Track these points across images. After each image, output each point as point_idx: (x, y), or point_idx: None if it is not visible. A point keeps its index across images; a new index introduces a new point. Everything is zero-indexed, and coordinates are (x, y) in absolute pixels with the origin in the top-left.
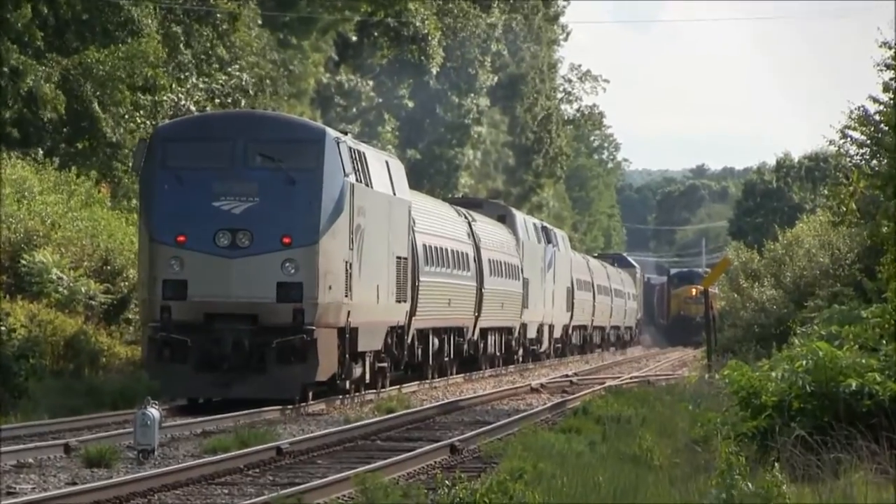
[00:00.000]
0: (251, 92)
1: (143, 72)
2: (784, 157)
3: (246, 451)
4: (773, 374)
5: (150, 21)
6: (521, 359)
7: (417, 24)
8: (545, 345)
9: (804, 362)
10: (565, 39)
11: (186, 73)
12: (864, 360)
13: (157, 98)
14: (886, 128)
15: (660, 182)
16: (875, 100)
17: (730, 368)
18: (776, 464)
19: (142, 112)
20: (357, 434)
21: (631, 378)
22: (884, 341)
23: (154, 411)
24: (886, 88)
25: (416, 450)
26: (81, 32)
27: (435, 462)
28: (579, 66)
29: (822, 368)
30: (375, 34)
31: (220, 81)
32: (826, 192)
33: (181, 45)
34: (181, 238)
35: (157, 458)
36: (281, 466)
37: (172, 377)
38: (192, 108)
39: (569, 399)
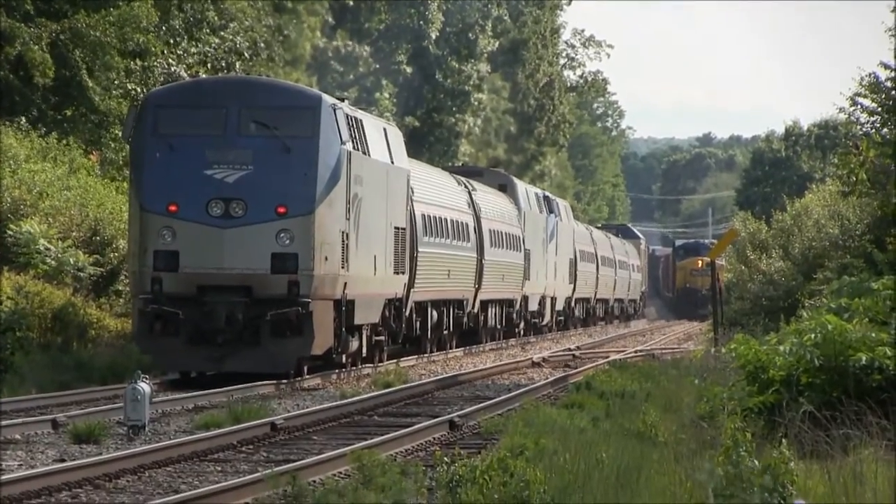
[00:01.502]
0: (246, 55)
1: (134, 37)
2: (793, 124)
3: (239, 426)
4: (781, 348)
5: None
6: (522, 332)
7: None
8: (547, 318)
9: (813, 336)
10: (568, 4)
11: (178, 38)
12: (874, 334)
13: (147, 64)
14: None
15: (665, 151)
16: (886, 66)
17: (737, 342)
18: (783, 440)
19: (132, 78)
20: (353, 409)
21: (635, 352)
22: (895, 314)
23: (145, 386)
24: None
25: (414, 426)
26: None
27: (434, 438)
28: (582, 31)
29: (830, 342)
30: None
31: (213, 45)
32: (836, 160)
33: (173, 9)
34: (172, 207)
35: (147, 434)
36: (275, 443)
37: (164, 351)
38: (184, 73)
39: (571, 374)
